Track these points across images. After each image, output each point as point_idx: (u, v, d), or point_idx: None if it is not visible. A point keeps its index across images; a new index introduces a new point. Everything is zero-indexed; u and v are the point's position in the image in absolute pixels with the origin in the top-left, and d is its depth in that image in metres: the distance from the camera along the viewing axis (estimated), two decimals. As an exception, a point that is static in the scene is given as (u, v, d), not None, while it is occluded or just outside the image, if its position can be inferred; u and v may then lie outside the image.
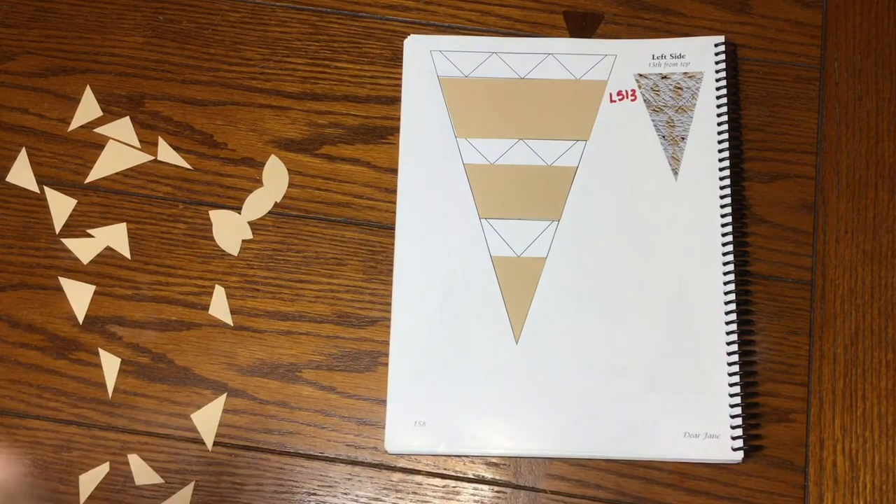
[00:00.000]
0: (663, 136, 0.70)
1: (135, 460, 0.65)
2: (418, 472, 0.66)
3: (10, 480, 0.64)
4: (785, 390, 0.66)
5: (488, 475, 0.65)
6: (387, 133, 0.71)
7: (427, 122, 0.70)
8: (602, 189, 0.69)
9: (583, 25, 0.73)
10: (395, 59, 0.72)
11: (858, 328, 0.67)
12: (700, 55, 0.71)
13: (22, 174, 0.70)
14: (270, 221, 0.70)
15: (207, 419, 0.66)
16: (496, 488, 0.65)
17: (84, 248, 0.69)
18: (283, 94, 0.72)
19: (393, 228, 0.69)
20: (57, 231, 0.69)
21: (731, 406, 0.65)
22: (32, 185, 0.70)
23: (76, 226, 0.69)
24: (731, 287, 0.66)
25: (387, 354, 0.66)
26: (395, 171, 0.70)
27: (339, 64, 0.72)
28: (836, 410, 0.66)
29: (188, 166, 0.70)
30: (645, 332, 0.66)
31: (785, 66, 0.72)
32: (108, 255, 0.69)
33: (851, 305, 0.68)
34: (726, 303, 0.66)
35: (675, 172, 0.69)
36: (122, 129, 0.71)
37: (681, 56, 0.71)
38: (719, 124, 0.69)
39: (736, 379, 0.65)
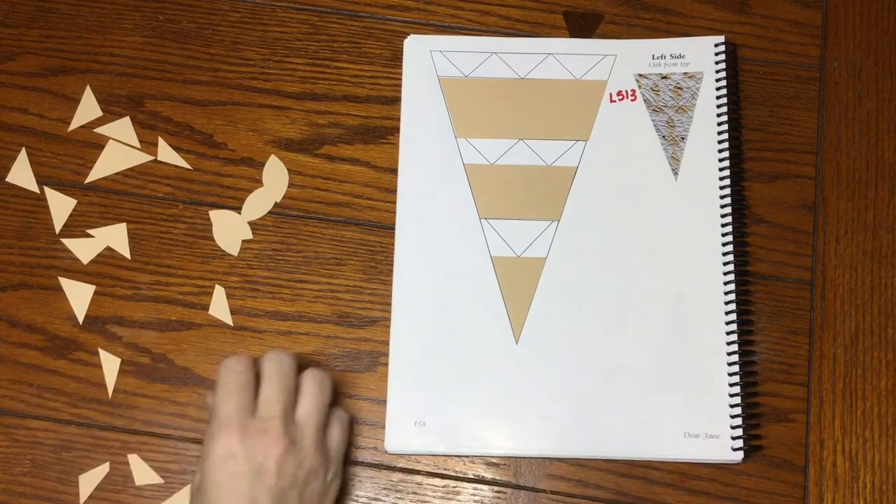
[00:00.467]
0: (663, 136, 0.70)
1: (135, 460, 0.65)
2: (418, 472, 0.66)
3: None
4: (785, 390, 0.66)
5: (488, 475, 0.65)
6: (387, 133, 0.71)
7: (427, 122, 0.70)
8: (602, 189, 0.69)
9: (583, 25, 0.73)
10: (395, 59, 0.72)
11: (858, 328, 0.67)
12: (700, 55, 0.71)
13: (22, 174, 0.70)
14: (270, 221, 0.70)
15: None
16: (496, 488, 0.65)
17: (84, 248, 0.69)
18: (283, 94, 0.72)
19: (393, 228, 0.69)
20: (57, 231, 0.69)
21: (731, 406, 0.65)
22: (32, 185, 0.70)
23: (76, 226, 0.69)
24: (731, 287, 0.66)
25: (387, 354, 0.66)
26: (395, 171, 0.70)
27: (339, 64, 0.72)
28: (836, 410, 0.66)
29: (188, 166, 0.70)
30: (645, 332, 0.66)
31: (785, 66, 0.72)
32: (108, 255, 0.69)
33: (851, 305, 0.68)
34: (726, 303, 0.66)
35: (675, 172, 0.69)
36: (122, 129, 0.71)
37: (681, 56, 0.71)
38: (719, 124, 0.69)
39: (736, 379, 0.65)
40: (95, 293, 0.68)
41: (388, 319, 0.67)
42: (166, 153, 0.70)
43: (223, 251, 0.69)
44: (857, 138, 0.70)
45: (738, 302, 0.66)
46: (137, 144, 0.71)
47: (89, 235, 0.69)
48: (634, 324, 0.66)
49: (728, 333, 0.66)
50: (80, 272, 0.68)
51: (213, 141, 0.71)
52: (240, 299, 0.68)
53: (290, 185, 0.70)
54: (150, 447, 0.66)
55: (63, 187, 0.70)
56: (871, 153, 0.70)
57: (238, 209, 0.70)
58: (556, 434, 0.65)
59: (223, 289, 0.68)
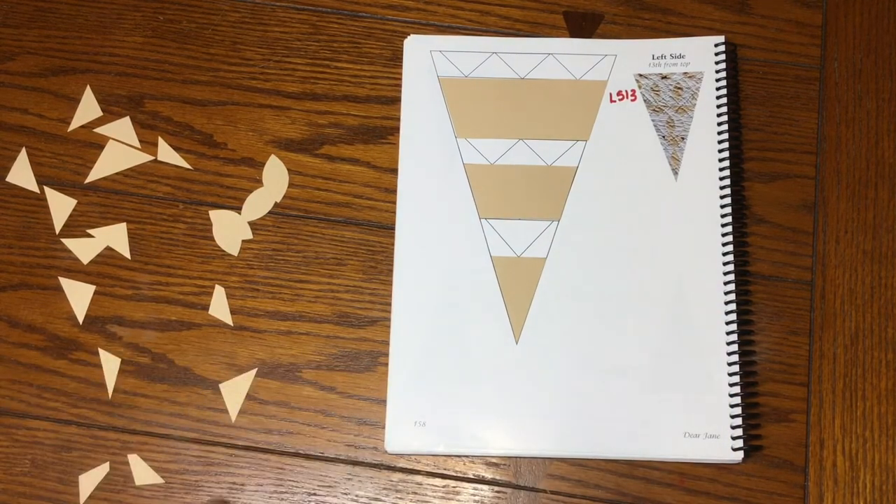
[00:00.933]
0: (663, 136, 0.70)
1: (135, 460, 0.65)
2: (418, 472, 0.66)
3: None
4: (785, 390, 0.66)
5: (488, 475, 0.65)
6: (387, 133, 0.71)
7: (427, 122, 0.70)
8: (602, 189, 0.69)
9: (583, 25, 0.73)
10: (395, 59, 0.72)
11: (858, 328, 0.67)
12: (700, 55, 0.71)
13: (22, 174, 0.70)
14: (270, 221, 0.70)
15: (235, 390, 0.66)
16: (496, 488, 0.65)
17: (84, 248, 0.69)
18: (283, 94, 0.72)
19: (393, 228, 0.69)
20: (57, 231, 0.69)
21: (731, 406, 0.65)
22: (32, 185, 0.70)
23: (76, 226, 0.69)
24: (731, 287, 0.66)
25: (387, 354, 0.66)
26: (395, 171, 0.70)
27: (339, 64, 0.72)
28: (836, 410, 0.66)
29: (188, 166, 0.70)
30: (645, 331, 0.66)
31: (785, 66, 0.72)
32: (108, 255, 0.69)
33: (851, 305, 0.68)
34: (726, 303, 0.66)
35: (675, 172, 0.69)
36: (122, 129, 0.71)
37: (681, 56, 0.71)
38: (719, 124, 0.69)
39: (736, 379, 0.65)
40: (95, 293, 0.68)
41: (388, 319, 0.67)
42: (166, 153, 0.70)
43: (223, 251, 0.69)
44: (857, 138, 0.70)
45: (738, 302, 0.66)
46: (137, 144, 0.71)
47: (89, 235, 0.69)
48: (634, 324, 0.66)
49: (728, 333, 0.66)
50: (80, 272, 0.68)
51: (213, 141, 0.71)
52: (240, 299, 0.68)
53: (290, 185, 0.70)
54: (150, 447, 0.66)
55: (63, 187, 0.70)
56: (871, 153, 0.70)
57: (238, 209, 0.70)
58: (556, 434, 0.65)
59: (223, 289, 0.68)
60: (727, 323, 0.66)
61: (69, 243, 0.69)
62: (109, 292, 0.68)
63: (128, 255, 0.69)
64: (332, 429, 0.66)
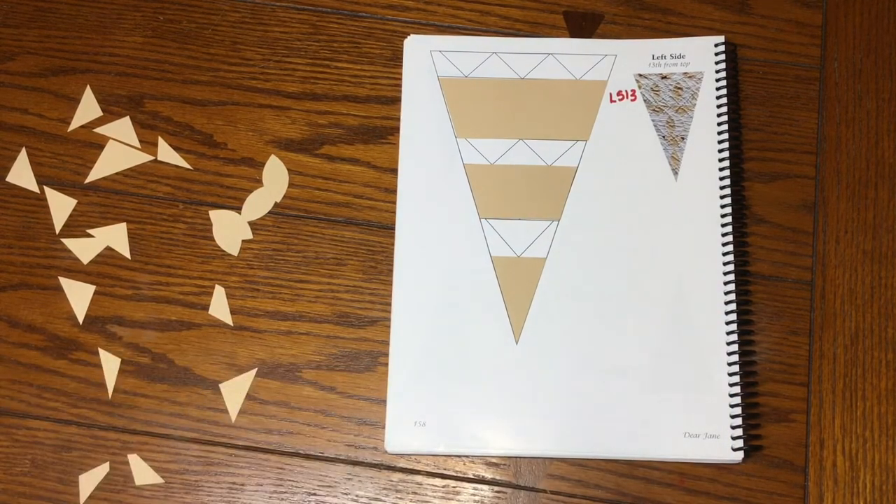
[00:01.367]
0: (663, 136, 0.70)
1: (135, 460, 0.65)
2: (418, 472, 0.66)
3: None
4: (785, 390, 0.66)
5: (488, 475, 0.65)
6: (387, 133, 0.71)
7: (427, 122, 0.70)
8: (602, 189, 0.69)
9: (583, 25, 0.73)
10: (395, 59, 0.72)
11: (858, 328, 0.67)
12: (700, 55, 0.71)
13: (22, 174, 0.70)
14: (270, 221, 0.70)
15: (235, 390, 0.66)
16: (496, 488, 0.65)
17: (84, 248, 0.69)
18: (283, 94, 0.72)
19: (393, 228, 0.69)
20: (57, 231, 0.69)
21: (731, 406, 0.65)
22: (32, 185, 0.70)
23: (76, 226, 0.69)
24: (731, 287, 0.66)
25: (387, 354, 0.66)
26: (395, 171, 0.70)
27: (339, 64, 0.72)
28: (836, 410, 0.66)
29: (188, 166, 0.70)
30: (645, 331, 0.66)
31: (785, 66, 0.72)
32: (108, 255, 0.69)
33: (851, 305, 0.68)
34: (726, 303, 0.66)
35: (675, 172, 0.69)
36: (122, 129, 0.71)
37: (681, 56, 0.71)
38: (719, 124, 0.69)
39: (736, 379, 0.65)
40: (95, 293, 0.68)
41: (388, 319, 0.67)
42: (166, 153, 0.70)
43: (223, 251, 0.69)
44: (857, 138, 0.70)
45: (738, 302, 0.66)
46: (137, 144, 0.71)
47: (89, 235, 0.69)
48: (634, 324, 0.66)
49: (728, 333, 0.66)
50: (80, 272, 0.68)
51: (213, 141, 0.71)
52: (240, 299, 0.68)
53: (290, 185, 0.70)
54: (150, 447, 0.66)
55: (63, 187, 0.70)
56: (871, 153, 0.70)
57: (238, 209, 0.70)
58: (556, 434, 0.65)
59: (223, 289, 0.68)
60: (727, 323, 0.66)
61: (69, 243, 0.69)
62: (109, 292, 0.68)
63: (128, 255, 0.69)
64: (332, 429, 0.66)
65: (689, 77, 0.71)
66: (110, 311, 0.68)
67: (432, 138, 0.70)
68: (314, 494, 0.65)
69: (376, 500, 0.65)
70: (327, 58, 0.72)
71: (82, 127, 0.71)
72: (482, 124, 0.70)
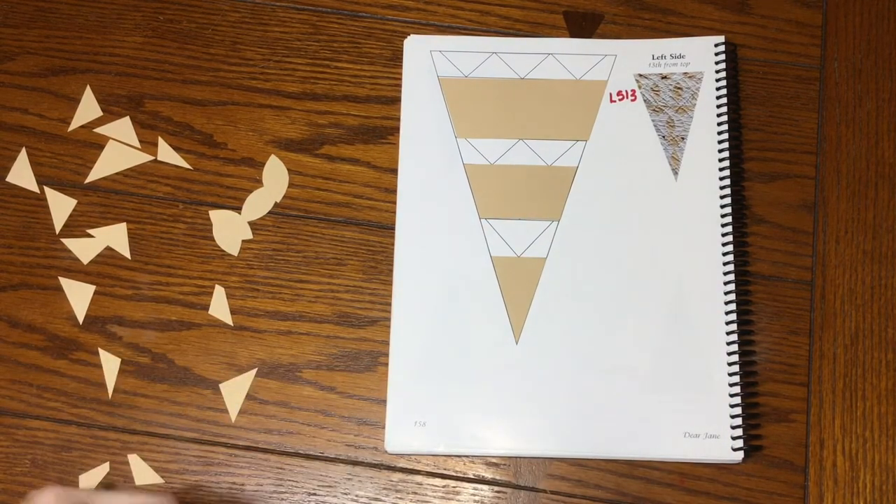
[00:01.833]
0: (663, 136, 0.70)
1: (135, 460, 0.65)
2: (418, 472, 0.66)
3: None
4: (785, 390, 0.66)
5: (488, 475, 0.65)
6: (387, 133, 0.71)
7: (427, 122, 0.70)
8: (602, 189, 0.69)
9: (583, 25, 0.73)
10: (395, 59, 0.72)
11: (858, 328, 0.67)
12: (700, 55, 0.71)
13: (22, 174, 0.70)
14: (270, 221, 0.70)
15: (235, 390, 0.66)
16: (496, 488, 0.65)
17: (84, 248, 0.69)
18: (283, 94, 0.72)
19: (393, 228, 0.69)
20: (57, 231, 0.69)
21: (731, 406, 0.65)
22: (32, 185, 0.70)
23: (76, 226, 0.69)
24: (731, 287, 0.66)
25: (387, 354, 0.66)
26: (395, 171, 0.70)
27: (339, 64, 0.72)
28: (836, 410, 0.66)
29: (188, 166, 0.70)
30: (645, 331, 0.66)
31: (785, 66, 0.72)
32: (108, 255, 0.69)
33: (851, 305, 0.68)
34: (726, 303, 0.66)
35: (675, 172, 0.69)
36: (122, 129, 0.71)
37: (681, 56, 0.71)
38: (719, 124, 0.69)
39: (736, 379, 0.65)
40: (95, 293, 0.68)
41: (388, 319, 0.67)
42: (166, 153, 0.70)
43: (223, 251, 0.69)
44: (857, 138, 0.70)
45: (738, 302, 0.66)
46: (137, 144, 0.71)
47: (89, 235, 0.69)
48: (634, 324, 0.66)
49: (728, 333, 0.66)
50: (80, 272, 0.68)
51: (213, 141, 0.71)
52: (240, 299, 0.68)
53: (290, 185, 0.70)
54: (150, 447, 0.66)
55: (63, 187, 0.70)
56: (871, 153, 0.70)
57: (238, 209, 0.70)
58: (556, 434, 0.65)
59: (223, 289, 0.68)
60: (727, 323, 0.66)
61: (69, 243, 0.69)
62: (109, 292, 0.68)
63: (128, 255, 0.69)
64: (332, 429, 0.66)
65: (689, 77, 0.71)
66: (110, 311, 0.68)
67: (432, 138, 0.70)
68: (314, 494, 0.65)
69: (376, 500, 0.65)
70: (327, 58, 0.72)
71: (82, 127, 0.71)
72: (482, 124, 0.70)
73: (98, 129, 0.71)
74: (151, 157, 0.70)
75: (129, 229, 0.69)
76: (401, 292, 0.67)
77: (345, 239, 0.69)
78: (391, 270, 0.68)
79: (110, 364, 0.67)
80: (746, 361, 0.66)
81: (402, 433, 0.65)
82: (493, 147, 0.70)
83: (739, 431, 0.64)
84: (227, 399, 0.66)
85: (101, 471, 0.65)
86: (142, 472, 0.65)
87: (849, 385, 0.66)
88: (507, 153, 0.69)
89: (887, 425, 0.66)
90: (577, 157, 0.69)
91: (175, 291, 0.68)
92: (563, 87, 0.71)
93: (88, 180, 0.70)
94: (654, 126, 0.70)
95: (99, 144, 0.71)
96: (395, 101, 0.71)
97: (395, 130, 0.71)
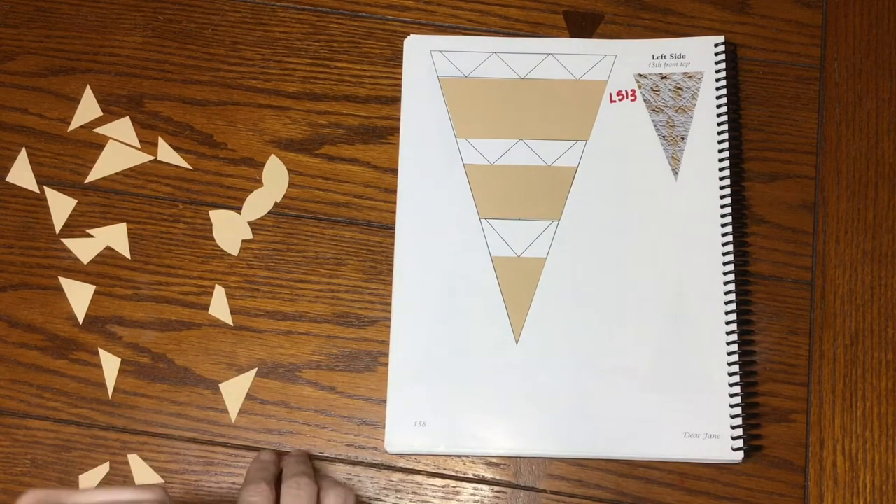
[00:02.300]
0: (663, 136, 0.70)
1: (135, 460, 0.65)
2: (418, 472, 0.66)
3: None
4: (785, 390, 0.66)
5: (488, 475, 0.65)
6: (387, 133, 0.71)
7: (427, 122, 0.70)
8: (602, 189, 0.69)
9: (583, 25, 0.73)
10: (395, 59, 0.72)
11: (858, 328, 0.67)
12: (700, 55, 0.71)
13: (22, 174, 0.70)
14: (270, 221, 0.70)
15: (235, 390, 0.66)
16: (496, 488, 0.65)
17: (84, 248, 0.69)
18: (283, 94, 0.72)
19: (393, 228, 0.69)
20: (57, 231, 0.69)
21: (731, 406, 0.65)
22: (32, 185, 0.70)
23: (76, 226, 0.69)
24: (731, 287, 0.66)
25: (387, 354, 0.66)
26: (395, 171, 0.70)
27: (339, 64, 0.72)
28: (836, 410, 0.66)
29: (188, 166, 0.70)
30: (645, 331, 0.66)
31: (785, 66, 0.72)
32: (108, 255, 0.69)
33: (851, 305, 0.68)
34: (726, 303, 0.66)
35: (675, 172, 0.69)
36: (122, 129, 0.71)
37: (681, 56, 0.71)
38: (719, 124, 0.69)
39: (736, 379, 0.65)
40: (95, 293, 0.68)
41: (388, 319, 0.67)
42: (166, 153, 0.70)
43: (223, 251, 0.69)
44: (857, 138, 0.70)
45: (738, 302, 0.66)
46: (137, 144, 0.71)
47: (89, 235, 0.69)
48: (634, 324, 0.66)
49: (728, 333, 0.66)
50: (80, 272, 0.68)
51: (213, 141, 0.71)
52: (240, 299, 0.68)
53: (290, 185, 0.70)
54: (150, 447, 0.66)
55: (63, 187, 0.70)
56: (871, 153, 0.70)
57: (238, 209, 0.70)
58: (556, 434, 0.65)
59: (223, 289, 0.68)
60: (727, 323, 0.66)
61: (69, 243, 0.69)
62: (109, 292, 0.68)
63: (128, 255, 0.69)
64: (332, 429, 0.66)
65: (689, 77, 0.71)
66: (110, 311, 0.68)
67: (432, 138, 0.70)
68: (314, 494, 0.65)
69: (376, 500, 0.65)
70: (327, 58, 0.72)
71: (82, 127, 0.71)
72: (482, 124, 0.70)
73: (98, 129, 0.71)
74: (151, 157, 0.70)
75: (129, 229, 0.69)
76: (401, 292, 0.67)
77: (345, 239, 0.69)
78: (391, 270, 0.68)
79: (110, 364, 0.67)
80: (746, 361, 0.66)
81: (402, 433, 0.65)
82: (493, 147, 0.70)
83: (739, 431, 0.64)
84: (227, 399, 0.66)
85: (101, 471, 0.65)
86: (142, 472, 0.65)
87: (849, 385, 0.66)
88: (507, 153, 0.69)
89: (887, 425, 0.66)
90: (577, 157, 0.69)
91: (175, 291, 0.68)
92: (563, 87, 0.71)
93: (88, 180, 0.70)
94: (654, 126, 0.70)
95: (99, 144, 0.71)
96: (395, 101, 0.71)
97: (395, 130, 0.71)
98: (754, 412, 0.66)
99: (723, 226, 0.68)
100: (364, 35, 0.73)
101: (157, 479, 0.65)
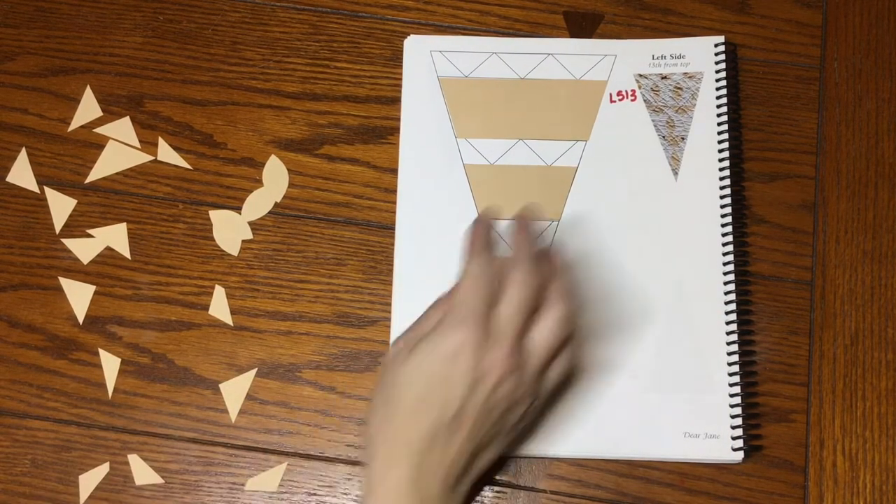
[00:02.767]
0: (663, 136, 0.70)
1: (135, 460, 0.65)
2: (418, 472, 0.65)
3: None
4: (785, 390, 0.66)
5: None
6: (387, 133, 0.71)
7: (427, 122, 0.70)
8: (602, 189, 0.69)
9: (583, 25, 0.73)
10: (395, 59, 0.72)
11: (858, 328, 0.67)
12: (700, 55, 0.71)
13: (22, 174, 0.70)
14: (270, 221, 0.70)
15: (235, 390, 0.66)
16: (496, 488, 0.65)
17: (84, 248, 0.69)
18: (283, 94, 0.72)
19: (393, 228, 0.69)
20: (57, 231, 0.69)
21: (731, 406, 0.65)
22: (32, 185, 0.70)
23: (76, 226, 0.69)
24: (731, 287, 0.66)
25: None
26: (395, 171, 0.70)
27: (338, 64, 0.72)
28: (836, 410, 0.66)
29: (188, 166, 0.70)
30: (645, 331, 0.66)
31: (785, 66, 0.72)
32: (108, 255, 0.69)
33: (851, 305, 0.68)
34: (726, 303, 0.66)
35: (675, 172, 0.69)
36: (122, 129, 0.71)
37: (681, 56, 0.71)
38: (719, 124, 0.69)
39: (736, 379, 0.65)
40: (95, 293, 0.68)
41: (388, 319, 0.67)
42: (166, 153, 0.70)
43: (223, 251, 0.69)
44: (857, 138, 0.70)
45: (738, 302, 0.66)
46: (137, 144, 0.71)
47: (89, 235, 0.69)
48: (634, 324, 0.66)
49: (728, 333, 0.66)
50: (80, 272, 0.68)
51: (213, 141, 0.71)
52: (240, 299, 0.68)
53: (290, 185, 0.70)
54: (150, 447, 0.66)
55: (63, 187, 0.70)
56: (871, 153, 0.70)
57: (238, 209, 0.70)
58: (556, 434, 0.65)
59: (223, 289, 0.68)
60: (727, 323, 0.66)
61: (69, 243, 0.69)
62: (109, 292, 0.68)
63: (128, 255, 0.69)
64: (332, 429, 0.66)
65: (689, 77, 0.71)
66: (110, 311, 0.68)
67: (432, 138, 0.70)
68: (314, 494, 0.65)
69: (376, 500, 0.65)
70: (327, 58, 0.72)
71: (82, 127, 0.71)
72: (482, 124, 0.70)
73: (98, 129, 0.71)
74: (151, 157, 0.70)
75: (129, 229, 0.69)
76: (401, 292, 0.67)
77: (345, 239, 0.69)
78: (391, 270, 0.68)
79: (110, 364, 0.67)
80: (746, 361, 0.66)
81: (402, 433, 0.65)
82: (493, 147, 0.70)
83: (739, 431, 0.64)
84: (227, 399, 0.66)
85: (101, 471, 0.65)
86: (142, 472, 0.65)
87: (849, 385, 0.66)
88: (507, 153, 0.69)
89: (887, 425, 0.66)
90: (577, 157, 0.69)
91: (175, 291, 0.68)
92: (563, 87, 0.71)
93: (88, 180, 0.70)
94: (654, 126, 0.70)
95: (99, 144, 0.71)
96: (395, 101, 0.71)
97: (395, 130, 0.71)
98: (754, 412, 0.66)
99: (723, 226, 0.68)
100: (364, 35, 0.73)
101: (157, 479, 0.65)
